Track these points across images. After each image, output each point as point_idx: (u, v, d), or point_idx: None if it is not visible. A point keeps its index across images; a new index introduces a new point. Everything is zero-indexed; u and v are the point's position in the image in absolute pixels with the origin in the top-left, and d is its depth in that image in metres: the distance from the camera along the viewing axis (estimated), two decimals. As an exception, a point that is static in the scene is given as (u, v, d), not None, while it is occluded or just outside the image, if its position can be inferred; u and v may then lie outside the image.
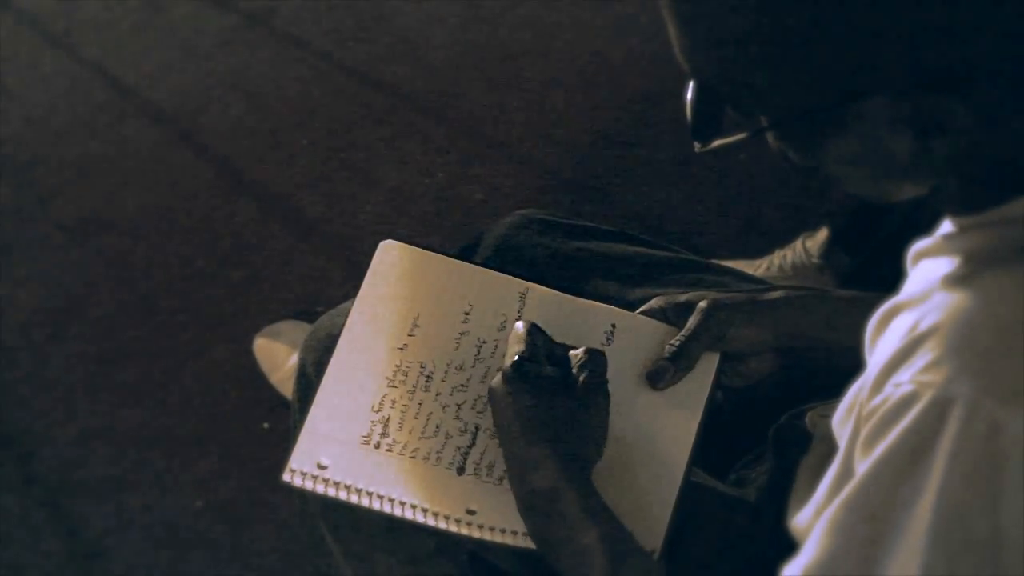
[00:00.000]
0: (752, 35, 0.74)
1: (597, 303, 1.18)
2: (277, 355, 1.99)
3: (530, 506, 1.01)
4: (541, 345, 1.05)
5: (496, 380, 1.03)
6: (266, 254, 2.27)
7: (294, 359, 1.95)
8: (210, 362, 2.08)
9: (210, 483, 1.91)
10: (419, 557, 1.18)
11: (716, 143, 0.84)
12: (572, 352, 1.06)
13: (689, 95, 0.83)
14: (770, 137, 0.82)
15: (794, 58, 0.74)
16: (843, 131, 0.77)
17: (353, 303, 1.16)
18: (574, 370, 1.04)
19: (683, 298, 1.16)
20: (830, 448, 0.88)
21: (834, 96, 0.75)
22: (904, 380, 0.74)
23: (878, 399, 0.76)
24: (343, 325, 1.14)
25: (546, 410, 1.01)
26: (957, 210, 0.81)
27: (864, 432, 0.77)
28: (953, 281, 0.78)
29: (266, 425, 1.98)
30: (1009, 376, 0.71)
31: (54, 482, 1.94)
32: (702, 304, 1.14)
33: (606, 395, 1.05)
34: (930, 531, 0.72)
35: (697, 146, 0.85)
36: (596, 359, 1.04)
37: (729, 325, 1.13)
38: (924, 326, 0.76)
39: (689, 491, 1.08)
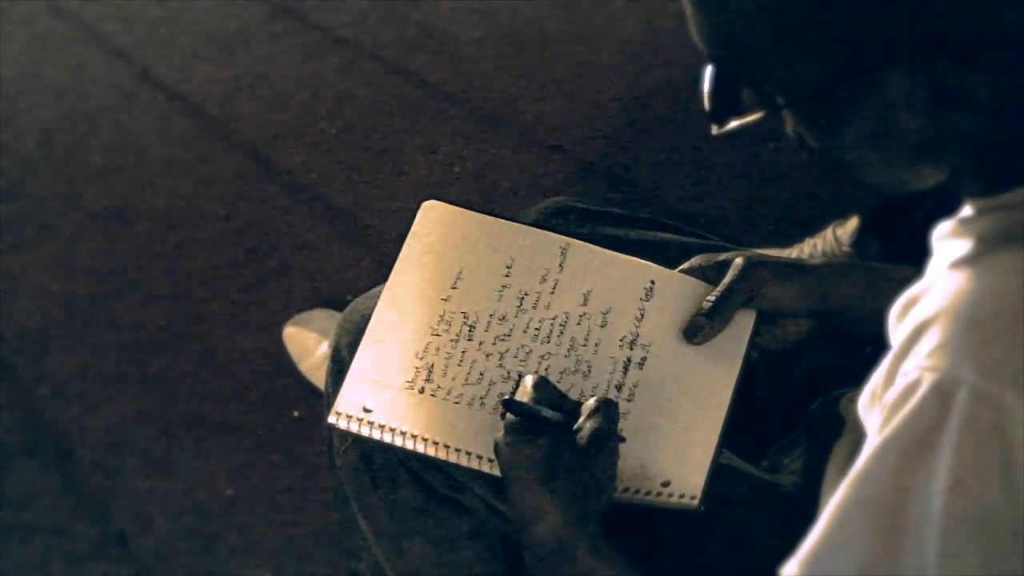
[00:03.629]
0: (765, 11, 0.74)
1: (637, 259, 1.19)
2: (306, 343, 1.99)
3: (539, 558, 1.00)
4: (546, 394, 1.04)
5: (499, 434, 1.02)
6: (295, 243, 2.28)
7: (324, 347, 1.95)
8: (240, 351, 2.09)
9: (241, 471, 1.92)
10: (451, 540, 1.18)
11: (732, 124, 0.84)
12: (586, 404, 1.04)
13: (706, 78, 0.83)
14: (788, 120, 0.82)
15: (808, 33, 0.74)
16: (859, 108, 0.77)
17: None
18: (582, 419, 1.02)
19: (721, 257, 1.17)
20: (863, 434, 0.88)
21: (849, 70, 0.74)
22: (910, 368, 0.74)
23: (891, 392, 0.76)
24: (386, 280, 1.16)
25: (547, 458, 0.99)
26: (975, 192, 0.81)
27: (873, 417, 0.77)
28: (958, 264, 0.78)
29: (296, 413, 1.99)
30: (1013, 360, 0.71)
31: (86, 469, 1.95)
32: (738, 260, 1.14)
33: (614, 445, 1.03)
34: (944, 516, 0.71)
35: (714, 128, 0.85)
36: (608, 409, 1.03)
37: (765, 282, 1.12)
38: (928, 312, 0.75)
39: (722, 470, 1.07)
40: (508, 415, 1.02)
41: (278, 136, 2.51)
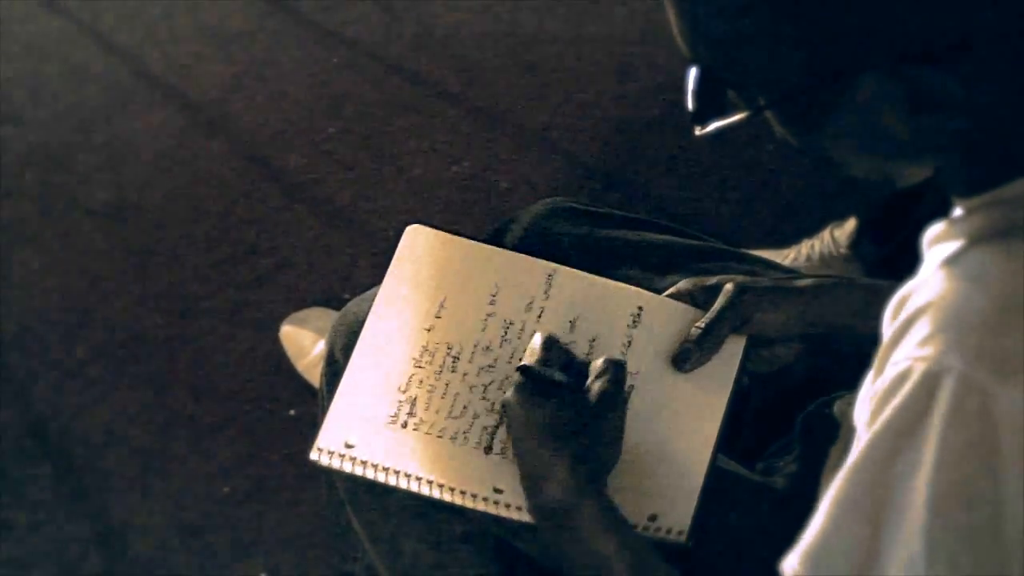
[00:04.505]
0: (744, 14, 0.74)
1: (625, 285, 1.18)
2: (303, 342, 1.99)
3: (544, 517, 1.00)
4: (555, 355, 1.04)
5: (509, 392, 1.02)
6: (292, 241, 2.27)
7: (320, 346, 1.95)
8: (236, 349, 2.09)
9: (237, 469, 1.92)
10: (446, 543, 1.17)
11: (714, 125, 0.84)
12: (594, 364, 1.04)
13: (690, 80, 0.83)
14: (773, 121, 0.82)
15: (785, 36, 0.74)
16: (838, 110, 0.77)
17: (380, 287, 1.16)
18: (590, 380, 1.03)
19: (711, 281, 1.16)
20: (858, 437, 0.88)
21: (825, 73, 0.74)
22: (900, 358, 0.74)
23: (879, 381, 0.76)
24: (370, 309, 1.14)
25: (556, 418, 1.00)
26: (962, 191, 0.81)
27: (868, 414, 0.77)
28: (948, 260, 0.78)
29: (292, 412, 1.98)
30: (1001, 349, 0.71)
31: (80, 467, 1.95)
32: (728, 286, 1.13)
33: (623, 406, 1.03)
34: (929, 505, 0.72)
35: (697, 130, 0.85)
36: (615, 369, 1.03)
37: (756, 308, 1.12)
38: (918, 304, 0.75)
39: (716, 474, 1.07)
40: (517, 375, 1.02)
41: (277, 135, 2.51)
